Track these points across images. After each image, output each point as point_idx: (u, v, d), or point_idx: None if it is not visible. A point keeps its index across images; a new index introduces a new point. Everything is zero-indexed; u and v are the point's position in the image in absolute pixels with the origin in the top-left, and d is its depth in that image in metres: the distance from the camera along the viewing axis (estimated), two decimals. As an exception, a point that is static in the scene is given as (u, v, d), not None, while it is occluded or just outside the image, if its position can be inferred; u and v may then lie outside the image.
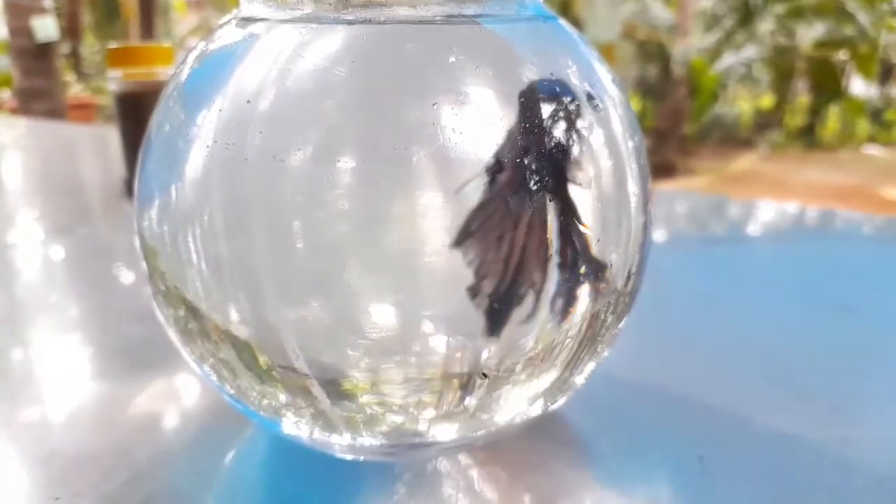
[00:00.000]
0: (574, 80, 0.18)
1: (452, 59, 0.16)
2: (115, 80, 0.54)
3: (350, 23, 0.17)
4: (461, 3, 0.17)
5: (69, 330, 0.31)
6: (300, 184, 0.16)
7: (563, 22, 0.20)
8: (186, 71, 0.19)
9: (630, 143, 0.18)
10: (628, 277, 0.19)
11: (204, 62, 0.19)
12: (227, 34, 0.19)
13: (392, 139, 0.15)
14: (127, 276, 0.39)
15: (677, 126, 4.18)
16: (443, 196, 0.15)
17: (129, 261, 0.41)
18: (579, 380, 0.20)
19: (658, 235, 0.48)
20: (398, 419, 0.18)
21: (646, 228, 0.19)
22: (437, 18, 0.17)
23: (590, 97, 0.17)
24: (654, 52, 4.31)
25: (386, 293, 0.16)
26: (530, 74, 0.17)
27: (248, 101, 0.16)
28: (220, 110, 0.17)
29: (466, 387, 0.17)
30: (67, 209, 0.55)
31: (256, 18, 0.18)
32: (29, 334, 0.31)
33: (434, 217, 0.15)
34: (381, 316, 0.16)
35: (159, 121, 0.19)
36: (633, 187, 0.18)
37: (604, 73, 0.19)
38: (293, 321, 0.16)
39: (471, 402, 0.18)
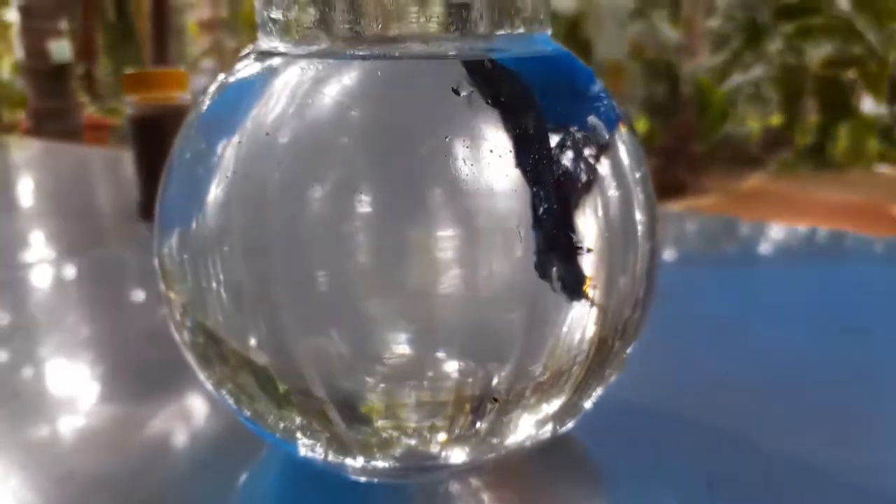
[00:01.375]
0: (582, 112, 0.18)
1: (464, 93, 0.17)
2: (130, 105, 0.55)
3: (364, 58, 0.17)
4: (472, 39, 0.18)
5: (83, 349, 0.32)
6: (317, 215, 0.16)
7: (570, 55, 0.20)
8: (207, 102, 0.20)
9: (637, 174, 0.19)
10: (635, 304, 0.19)
11: (224, 94, 0.19)
12: (246, 67, 0.19)
13: (406, 172, 0.16)
14: (139, 297, 0.39)
15: (686, 145, 4.18)
16: (456, 225, 0.16)
17: (142, 282, 0.41)
18: (588, 404, 0.20)
19: (667, 255, 0.48)
20: (411, 442, 0.18)
21: (653, 255, 0.19)
22: (450, 54, 0.18)
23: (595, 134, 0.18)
24: (661, 71, 4.32)
25: (401, 320, 0.16)
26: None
27: (267, 134, 0.17)
28: (240, 142, 0.17)
29: (478, 411, 0.18)
30: (81, 230, 0.56)
31: (274, 52, 0.19)
32: (42, 353, 0.31)
33: (447, 247, 0.16)
34: (396, 342, 0.16)
35: (180, 149, 0.19)
36: (639, 216, 0.19)
37: (611, 105, 0.19)
38: (310, 348, 0.17)
39: (482, 425, 0.18)
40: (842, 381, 0.28)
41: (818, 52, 4.21)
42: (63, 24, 2.99)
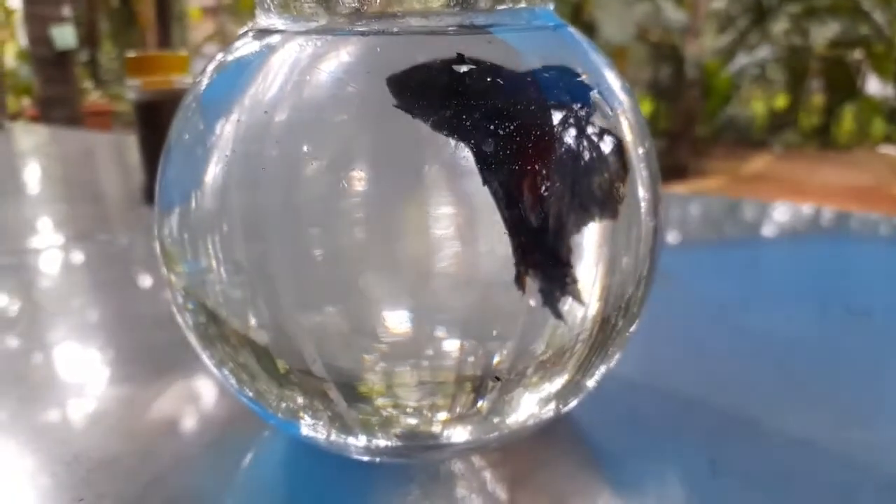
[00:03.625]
0: (585, 87, 0.18)
1: (464, 68, 0.17)
2: (133, 89, 0.55)
3: (364, 34, 0.17)
4: (472, 13, 0.18)
5: (90, 334, 0.32)
6: (316, 192, 0.16)
7: (573, 29, 0.20)
8: (205, 81, 0.19)
9: (640, 150, 0.19)
10: (639, 282, 0.19)
11: (222, 73, 0.19)
12: (245, 45, 0.19)
13: (406, 148, 0.16)
14: (146, 281, 0.39)
15: (690, 128, 4.16)
16: (455, 203, 0.16)
17: (149, 266, 0.41)
18: (591, 383, 0.20)
19: (670, 237, 0.48)
20: (412, 421, 0.18)
21: (656, 233, 0.19)
22: (450, 29, 0.18)
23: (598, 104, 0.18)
24: (666, 53, 4.29)
25: (400, 299, 0.16)
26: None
27: (266, 112, 0.17)
28: (238, 120, 0.17)
29: (479, 390, 0.17)
30: (87, 215, 0.56)
31: (273, 30, 0.19)
32: (50, 338, 0.32)
33: (446, 224, 0.16)
34: (396, 321, 0.16)
35: (179, 130, 0.19)
36: (643, 193, 0.18)
37: (614, 79, 0.19)
38: (310, 327, 0.17)
39: (483, 404, 0.18)
40: (845, 361, 0.28)
41: (824, 33, 4.17)
42: (66, 10, 2.97)
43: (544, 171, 0.16)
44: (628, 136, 0.18)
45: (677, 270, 0.38)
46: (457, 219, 0.16)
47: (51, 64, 2.95)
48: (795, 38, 4.30)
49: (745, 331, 0.31)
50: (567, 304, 0.17)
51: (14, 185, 0.70)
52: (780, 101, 4.85)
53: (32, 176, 0.78)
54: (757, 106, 4.98)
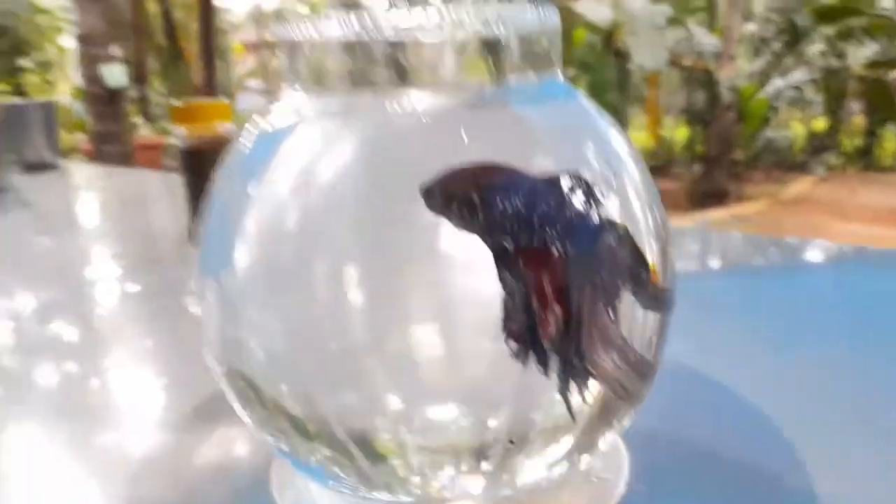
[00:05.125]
0: (592, 158, 0.19)
1: (475, 145, 0.18)
2: (178, 136, 0.58)
3: (379, 111, 0.19)
4: (484, 88, 0.19)
5: (144, 362, 0.34)
6: (327, 281, 0.17)
7: (582, 98, 0.21)
8: (243, 146, 0.21)
9: (649, 217, 0.19)
10: (650, 346, 0.19)
11: (259, 142, 0.20)
12: (279, 114, 0.20)
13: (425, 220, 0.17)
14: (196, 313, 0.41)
15: (727, 152, 4.11)
16: (468, 287, 0.17)
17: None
18: (602, 444, 0.20)
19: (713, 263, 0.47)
20: (427, 480, 0.19)
21: (667, 298, 0.20)
22: (459, 104, 0.19)
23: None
24: (700, 78, 4.27)
25: (407, 378, 0.18)
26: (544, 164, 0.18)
27: (299, 186, 0.18)
28: (267, 196, 0.18)
29: (485, 454, 0.18)
30: (138, 251, 0.59)
31: (300, 104, 0.20)
32: (106, 365, 0.34)
33: (460, 309, 0.17)
34: (411, 391, 0.17)
35: (217, 192, 0.21)
36: (651, 258, 0.19)
37: (623, 146, 0.20)
38: (332, 398, 0.18)
39: (496, 466, 0.19)
40: (888, 401, 0.27)
41: (861, 53, 4.11)
42: (116, 50, 3.10)
43: (560, 270, 0.17)
44: (636, 201, 0.19)
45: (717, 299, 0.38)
46: (469, 303, 0.17)
47: (102, 101, 3.07)
48: (832, 60, 4.24)
49: (785, 365, 0.31)
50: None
51: (69, 220, 0.74)
52: (820, 124, 4.77)
53: (88, 212, 0.82)
54: (796, 128, 4.91)
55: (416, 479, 0.19)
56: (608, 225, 0.18)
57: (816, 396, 0.29)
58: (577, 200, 0.17)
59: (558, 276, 0.17)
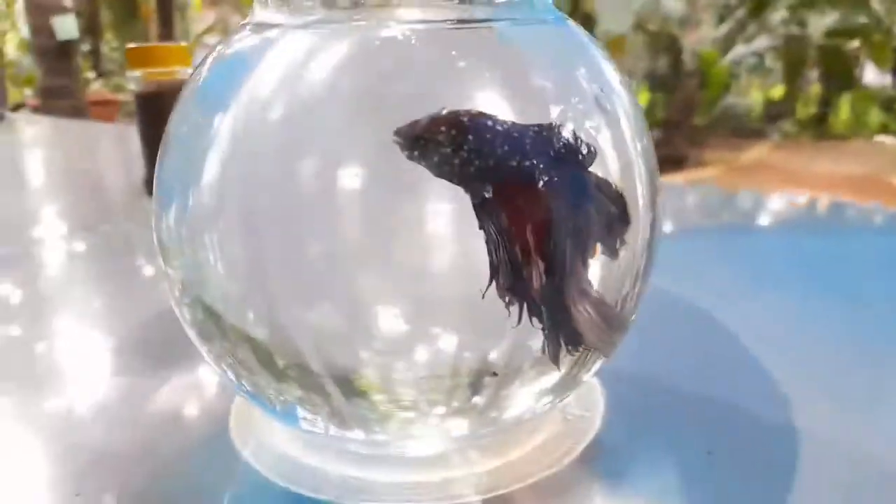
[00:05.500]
0: (584, 82, 0.18)
1: (462, 63, 0.17)
2: (134, 80, 0.55)
3: (362, 28, 0.17)
4: (471, 6, 0.18)
5: (92, 323, 0.32)
6: (311, 189, 0.16)
7: (572, 23, 0.20)
8: (203, 75, 0.19)
9: (638, 145, 0.19)
10: (636, 276, 0.19)
11: (220, 67, 0.19)
12: (243, 39, 0.19)
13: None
14: (148, 272, 0.39)
15: (687, 118, 4.15)
16: (450, 201, 0.16)
17: (150, 256, 0.41)
18: (587, 377, 0.20)
19: (668, 227, 0.48)
20: (409, 416, 0.18)
21: (653, 227, 0.19)
22: (448, 22, 0.17)
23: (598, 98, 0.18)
24: (665, 43, 4.28)
25: (396, 295, 0.16)
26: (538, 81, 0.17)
27: (263, 107, 0.17)
28: (236, 115, 0.17)
29: (475, 385, 0.18)
30: (90, 206, 0.56)
31: (270, 24, 0.18)
32: (53, 327, 0.32)
33: (442, 221, 0.16)
34: (392, 318, 0.16)
35: (177, 124, 0.19)
36: (640, 186, 0.18)
37: (613, 74, 0.19)
38: (307, 323, 0.17)
39: (480, 399, 0.18)
40: (841, 351, 0.28)
41: (822, 22, 4.16)
42: (68, 1, 2.95)
43: (540, 222, 0.16)
44: (627, 131, 0.18)
45: (674, 260, 0.38)
46: (453, 215, 0.16)
47: (52, 54, 2.93)
48: (793, 28, 4.29)
49: (741, 321, 0.31)
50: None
51: (16, 176, 0.70)
52: (778, 91, 4.85)
53: (34, 167, 0.78)
54: (755, 96, 4.97)
55: (403, 415, 0.18)
56: (589, 177, 0.17)
57: (786, 338, 0.29)
58: (558, 148, 0.16)
59: (539, 227, 0.16)
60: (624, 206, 0.17)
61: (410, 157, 0.15)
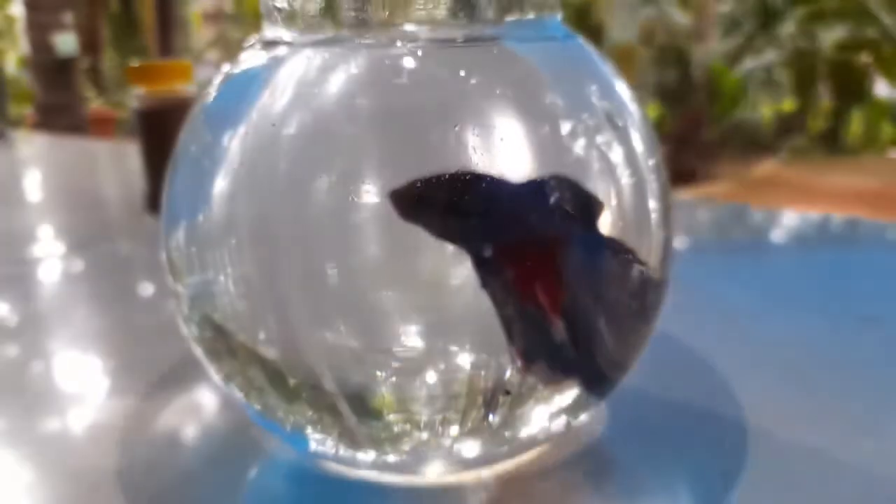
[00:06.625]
0: (594, 99, 0.18)
1: (473, 81, 0.17)
2: (136, 97, 0.55)
3: (371, 46, 0.17)
4: (480, 24, 0.18)
5: (91, 344, 0.32)
6: (324, 206, 0.16)
7: (581, 40, 0.20)
8: (213, 93, 0.19)
9: (650, 161, 0.18)
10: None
11: (229, 85, 0.19)
12: (252, 57, 0.19)
13: (415, 161, 0.16)
14: (148, 291, 0.39)
15: (697, 132, 4.14)
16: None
17: (150, 275, 0.41)
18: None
19: (678, 244, 0.47)
20: (423, 436, 0.18)
21: (667, 244, 0.19)
22: (458, 39, 0.17)
23: (609, 115, 0.18)
24: (672, 57, 4.28)
25: (411, 313, 0.16)
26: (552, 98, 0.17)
27: (273, 125, 0.17)
28: (246, 133, 0.17)
29: (490, 404, 0.17)
30: (88, 224, 0.56)
31: (279, 42, 0.18)
32: (51, 348, 0.32)
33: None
34: (408, 335, 0.16)
35: (186, 142, 0.19)
36: (653, 203, 0.18)
37: (623, 90, 0.19)
38: (321, 342, 0.16)
39: (494, 418, 0.18)
40: (857, 369, 0.28)
41: (831, 36, 4.16)
42: (67, 18, 2.98)
43: (550, 279, 0.16)
44: (638, 147, 0.18)
45: (686, 276, 0.38)
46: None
47: (52, 71, 2.95)
48: (802, 42, 4.29)
49: (756, 339, 0.31)
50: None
51: (15, 193, 0.70)
52: (788, 105, 4.83)
53: (32, 184, 0.78)
54: (765, 110, 4.96)
55: (417, 435, 0.18)
56: (598, 234, 0.16)
57: (798, 356, 0.29)
58: (561, 205, 0.16)
59: (549, 284, 0.16)
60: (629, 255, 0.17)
61: (407, 220, 0.15)
